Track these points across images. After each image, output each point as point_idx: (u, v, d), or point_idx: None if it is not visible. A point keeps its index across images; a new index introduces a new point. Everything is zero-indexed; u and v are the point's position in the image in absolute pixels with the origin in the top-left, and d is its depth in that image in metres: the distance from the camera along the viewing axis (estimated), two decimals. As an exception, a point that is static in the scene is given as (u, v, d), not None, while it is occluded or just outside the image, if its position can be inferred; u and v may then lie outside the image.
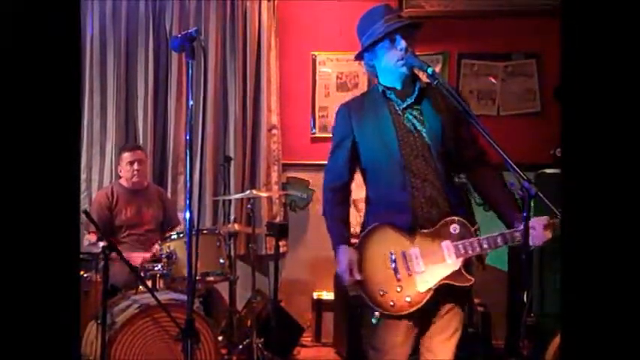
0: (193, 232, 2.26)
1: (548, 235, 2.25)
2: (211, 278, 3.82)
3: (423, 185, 2.36)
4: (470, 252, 2.32)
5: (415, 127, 2.39)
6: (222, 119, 4.93)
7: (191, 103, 2.34)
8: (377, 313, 2.35)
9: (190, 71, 2.29)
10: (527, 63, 4.91)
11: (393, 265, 2.36)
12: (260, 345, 4.03)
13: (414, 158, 2.37)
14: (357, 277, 2.37)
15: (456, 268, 2.32)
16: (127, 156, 4.26)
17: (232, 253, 4.23)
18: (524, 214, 2.06)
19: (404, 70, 2.38)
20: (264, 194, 4.60)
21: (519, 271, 4.21)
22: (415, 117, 2.41)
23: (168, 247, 3.67)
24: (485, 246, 2.31)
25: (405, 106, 2.42)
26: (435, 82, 2.26)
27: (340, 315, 4.55)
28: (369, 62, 2.47)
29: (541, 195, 2.04)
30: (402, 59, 2.36)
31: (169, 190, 4.87)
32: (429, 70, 2.25)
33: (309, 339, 4.81)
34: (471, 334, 4.06)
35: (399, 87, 2.44)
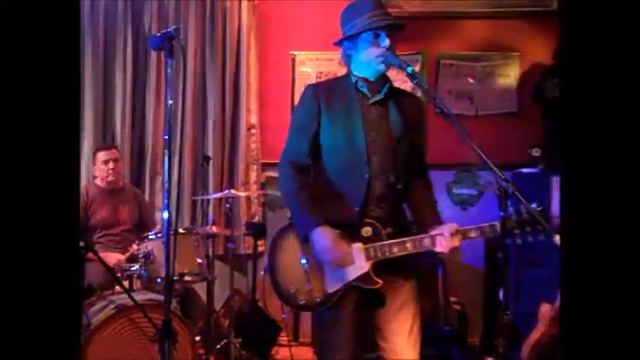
0: (171, 232, 2.25)
1: (456, 242, 2.29)
2: (189, 278, 3.79)
3: (376, 183, 2.38)
4: (379, 255, 2.34)
5: (380, 124, 2.41)
6: (201, 119, 4.90)
7: (170, 102, 2.33)
8: (286, 310, 2.38)
9: (169, 70, 2.28)
10: (505, 63, 4.95)
11: (305, 263, 2.38)
12: (238, 345, 4.02)
13: (373, 153, 2.39)
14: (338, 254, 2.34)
15: (365, 270, 2.34)
16: (101, 155, 4.24)
17: (210, 252, 4.21)
18: (501, 214, 2.09)
19: (381, 67, 2.39)
20: (242, 194, 4.59)
21: (495, 269, 4.25)
22: (381, 114, 2.42)
23: (146, 247, 3.65)
24: (395, 250, 2.33)
25: (373, 101, 2.43)
26: (414, 82, 2.27)
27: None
28: (347, 51, 2.46)
29: (518, 194, 2.06)
30: (382, 56, 2.36)
31: (147, 189, 4.83)
32: (409, 69, 2.26)
33: (288, 338, 4.80)
34: (447, 333, 4.08)
35: (372, 80, 2.44)
